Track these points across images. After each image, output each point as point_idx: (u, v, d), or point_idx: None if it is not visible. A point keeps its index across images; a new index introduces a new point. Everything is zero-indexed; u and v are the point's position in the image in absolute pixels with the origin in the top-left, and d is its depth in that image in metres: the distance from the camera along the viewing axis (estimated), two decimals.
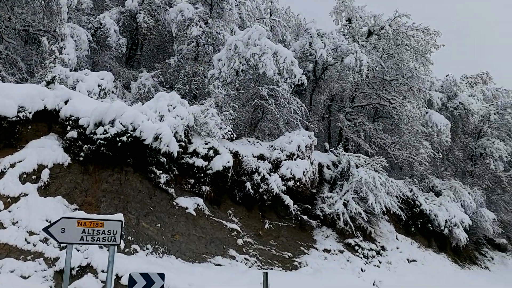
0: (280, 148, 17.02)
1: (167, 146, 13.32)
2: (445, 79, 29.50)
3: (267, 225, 16.21)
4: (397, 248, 20.00)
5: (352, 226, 18.16)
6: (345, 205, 18.25)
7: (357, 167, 19.22)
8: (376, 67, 22.92)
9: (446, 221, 22.82)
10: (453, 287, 18.37)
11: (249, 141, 17.30)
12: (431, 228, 22.98)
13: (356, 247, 18.14)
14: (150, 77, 20.49)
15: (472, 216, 24.89)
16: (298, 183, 16.54)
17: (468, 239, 23.55)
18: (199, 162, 14.61)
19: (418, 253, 21.00)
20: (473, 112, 28.05)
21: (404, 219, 21.22)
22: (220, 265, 13.17)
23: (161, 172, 13.59)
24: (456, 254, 24.40)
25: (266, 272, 9.63)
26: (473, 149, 29.59)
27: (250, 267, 13.88)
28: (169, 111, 14.42)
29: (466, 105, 27.99)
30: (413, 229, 22.62)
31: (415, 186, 23.94)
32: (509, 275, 26.18)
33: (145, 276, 7.77)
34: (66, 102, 13.25)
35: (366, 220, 19.04)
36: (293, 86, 18.66)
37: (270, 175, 16.06)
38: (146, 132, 12.89)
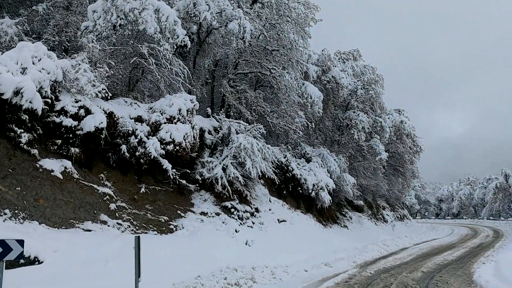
0: (160, 111, 16.51)
1: (30, 102, 11.97)
2: (321, 53, 31.39)
3: (143, 190, 15.82)
4: (269, 209, 21.29)
5: (230, 189, 18.74)
6: (224, 169, 18.70)
7: (237, 133, 19.73)
8: (259, 35, 23.36)
9: (314, 185, 24.94)
10: (315, 243, 20.31)
11: (126, 102, 16.42)
12: (301, 191, 24.95)
13: (232, 210, 18.82)
14: (13, 24, 17.91)
15: (336, 180, 27.56)
16: (178, 148, 16.34)
17: (331, 201, 26.14)
18: (68, 122, 13.45)
19: (288, 214, 22.67)
20: (343, 86, 30.48)
21: (277, 183, 22.67)
22: (90, 230, 12.55)
23: (22, 131, 12.20)
24: (320, 215, 26.93)
25: (139, 236, 9.44)
26: (341, 120, 32.45)
27: (123, 231, 13.50)
28: (33, 63, 12.85)
29: (337, 79, 30.25)
30: (285, 192, 24.31)
31: (289, 153, 25.54)
32: (363, 233, 29.97)
33: (1, 242, 7.11)
34: None
35: (243, 184, 19.81)
36: (175, 47, 18.04)
37: (148, 139, 15.55)
38: (4, 85, 11.45)
